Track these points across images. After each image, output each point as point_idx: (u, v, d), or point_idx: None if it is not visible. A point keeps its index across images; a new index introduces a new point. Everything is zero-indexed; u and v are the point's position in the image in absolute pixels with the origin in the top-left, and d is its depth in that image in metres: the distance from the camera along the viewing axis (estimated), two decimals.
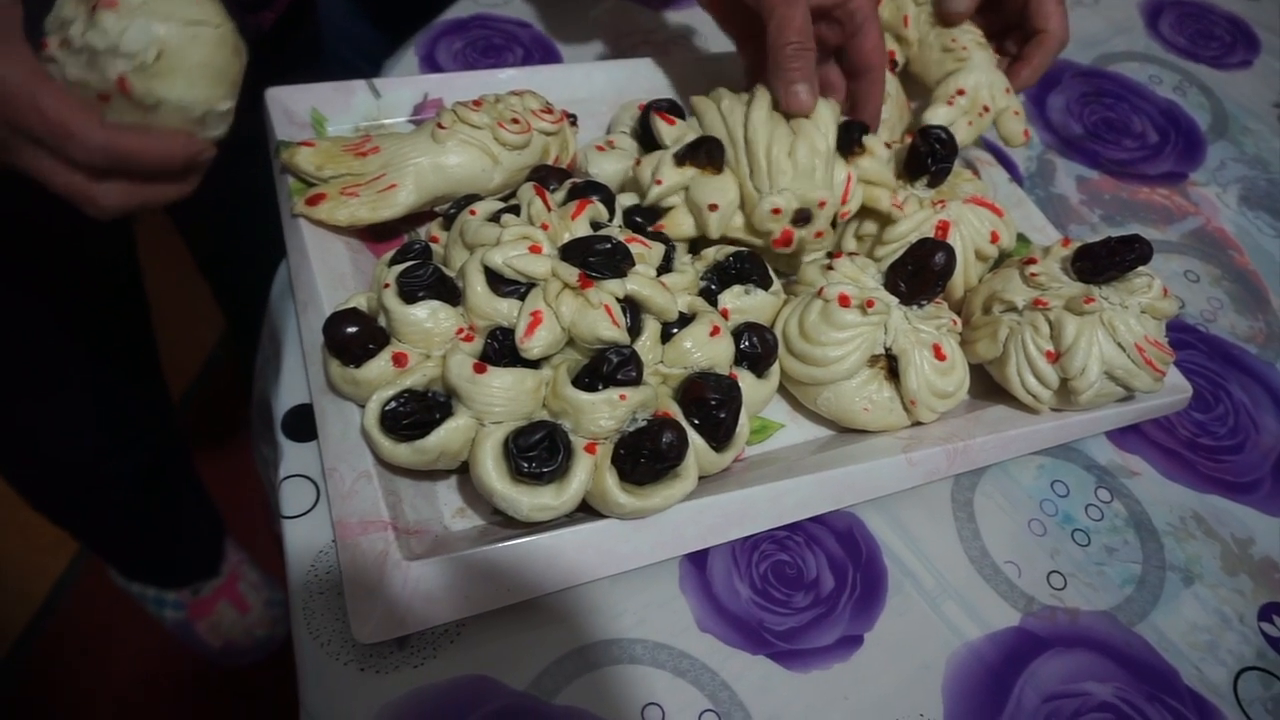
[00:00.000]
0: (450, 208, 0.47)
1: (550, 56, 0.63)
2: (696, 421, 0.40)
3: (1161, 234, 0.61)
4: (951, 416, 0.46)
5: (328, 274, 0.45)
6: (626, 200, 0.49)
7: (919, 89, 0.58)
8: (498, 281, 0.40)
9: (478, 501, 0.42)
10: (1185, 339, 0.55)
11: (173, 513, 1.03)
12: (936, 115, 0.54)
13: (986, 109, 0.55)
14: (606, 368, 0.38)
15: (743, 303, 0.45)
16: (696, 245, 0.49)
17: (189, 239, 0.91)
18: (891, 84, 0.58)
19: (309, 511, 0.41)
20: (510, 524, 0.40)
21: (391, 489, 0.39)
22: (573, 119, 0.53)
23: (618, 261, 0.40)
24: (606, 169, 0.52)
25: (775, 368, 0.45)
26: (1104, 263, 0.44)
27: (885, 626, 0.41)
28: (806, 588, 0.42)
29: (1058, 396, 0.45)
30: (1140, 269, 0.44)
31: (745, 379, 0.43)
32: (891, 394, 0.45)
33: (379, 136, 0.48)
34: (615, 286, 0.39)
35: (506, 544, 0.37)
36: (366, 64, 0.82)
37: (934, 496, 0.46)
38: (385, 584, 0.36)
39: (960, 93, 0.55)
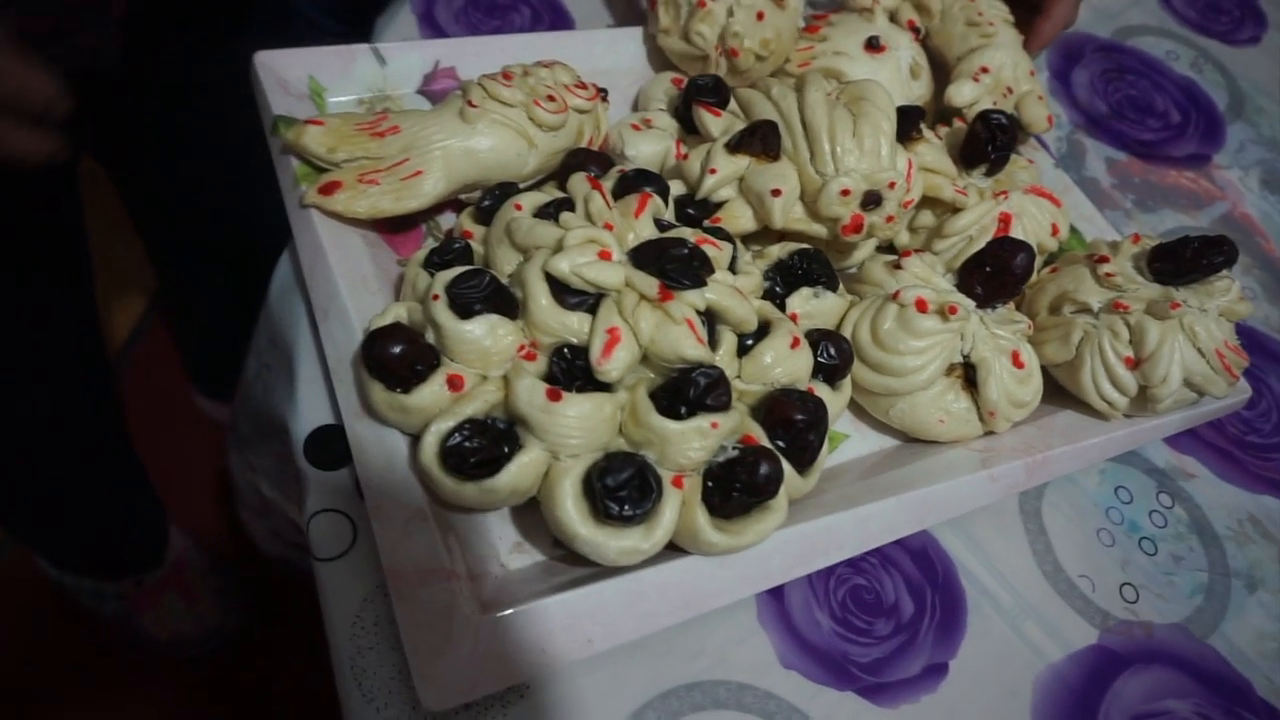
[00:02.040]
0: (483, 198, 0.41)
1: (559, 16, 0.57)
2: (782, 444, 0.36)
3: (1192, 220, 0.60)
4: (1022, 425, 0.44)
5: (349, 276, 0.39)
6: (672, 190, 0.44)
7: (937, 65, 0.55)
8: (562, 291, 0.35)
9: (535, 533, 0.38)
10: None
11: (111, 497, 0.95)
12: (961, 92, 0.51)
13: (1010, 90, 0.53)
14: (693, 391, 0.34)
15: (812, 306, 0.42)
16: (747, 241, 0.45)
17: (124, 191, 0.82)
18: (922, 56, 0.54)
19: (346, 553, 0.36)
20: (574, 559, 0.36)
21: (446, 526, 0.35)
22: (604, 94, 0.48)
23: (697, 269, 0.36)
24: (644, 150, 0.47)
25: (848, 378, 0.41)
26: (1188, 265, 0.42)
27: (969, 652, 0.39)
28: (887, 614, 0.40)
29: (1133, 403, 0.44)
30: (1222, 272, 0.43)
31: (821, 391, 0.40)
32: (968, 404, 0.42)
33: (397, 114, 0.42)
34: (695, 298, 0.35)
35: (586, 589, 0.33)
36: (331, 20, 0.75)
37: (1002, 508, 0.44)
38: (455, 642, 0.32)
39: (984, 70, 0.52)
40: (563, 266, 0.35)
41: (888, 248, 0.49)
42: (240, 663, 1.03)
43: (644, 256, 0.36)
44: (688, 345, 0.34)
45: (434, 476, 0.33)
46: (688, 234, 0.38)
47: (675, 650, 0.37)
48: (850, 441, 0.44)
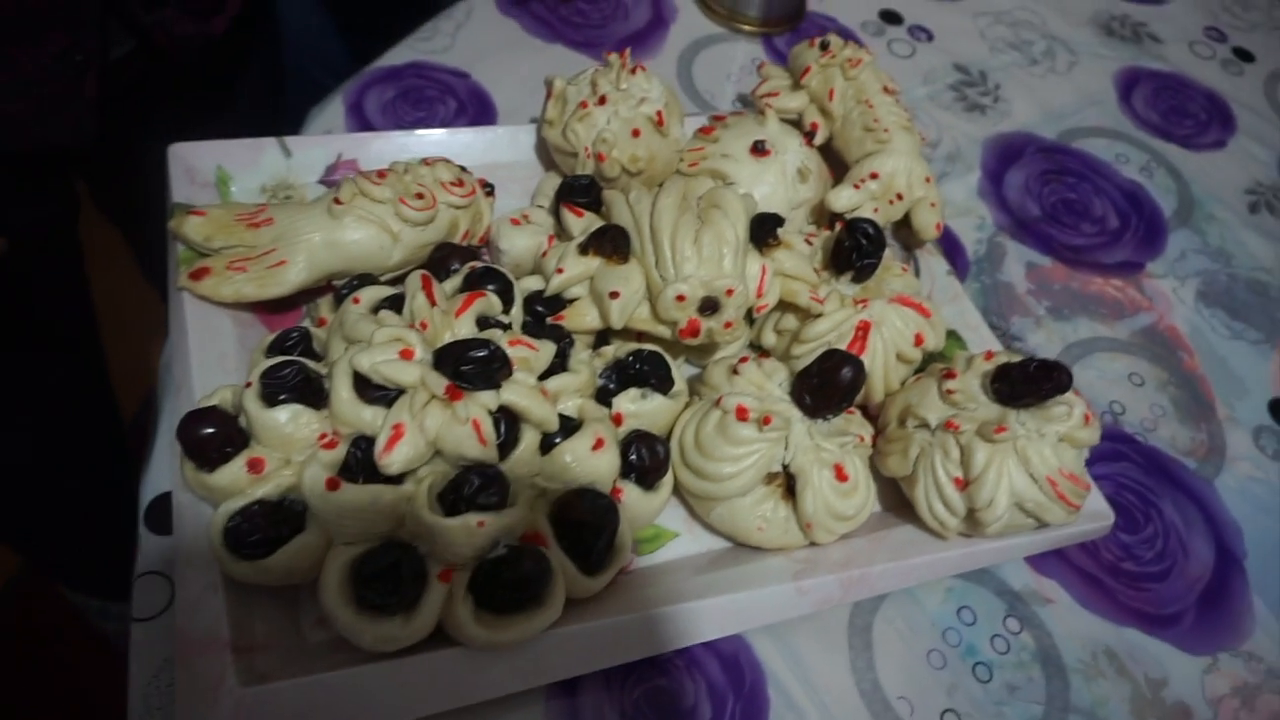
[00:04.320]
0: (343, 287, 0.44)
1: (485, 110, 0.61)
2: (568, 544, 0.37)
3: (1110, 330, 0.58)
4: (855, 535, 0.44)
5: (207, 356, 0.43)
6: (533, 284, 0.46)
7: (841, 167, 0.56)
8: (366, 386, 0.38)
9: None
10: (1120, 450, 0.53)
11: (118, 525, 1.01)
12: (840, 198, 0.52)
13: (900, 196, 0.53)
14: (468, 489, 0.36)
15: (638, 407, 0.43)
16: (604, 339, 0.47)
17: (137, 253, 0.89)
18: (813, 160, 0.55)
19: (159, 615, 0.39)
20: None
21: (243, 598, 0.37)
22: (489, 189, 0.51)
23: (494, 371, 0.38)
24: (518, 244, 0.49)
25: (668, 479, 0.42)
26: (1020, 389, 0.42)
27: None
28: (680, 718, 0.40)
29: (966, 523, 0.43)
30: (1059, 397, 0.42)
31: (631, 492, 0.41)
32: (788, 513, 0.42)
33: (275, 207, 0.46)
34: (488, 398, 0.37)
35: (348, 670, 0.35)
36: (335, 82, 0.80)
37: (832, 620, 0.44)
38: (217, 711, 0.34)
39: (873, 176, 0.53)
40: (363, 363, 0.37)
41: (756, 348, 0.50)
42: None
43: (444, 357, 0.38)
44: (469, 445, 0.36)
45: (216, 553, 0.36)
46: (499, 335, 0.40)
47: None
48: (680, 540, 0.45)
